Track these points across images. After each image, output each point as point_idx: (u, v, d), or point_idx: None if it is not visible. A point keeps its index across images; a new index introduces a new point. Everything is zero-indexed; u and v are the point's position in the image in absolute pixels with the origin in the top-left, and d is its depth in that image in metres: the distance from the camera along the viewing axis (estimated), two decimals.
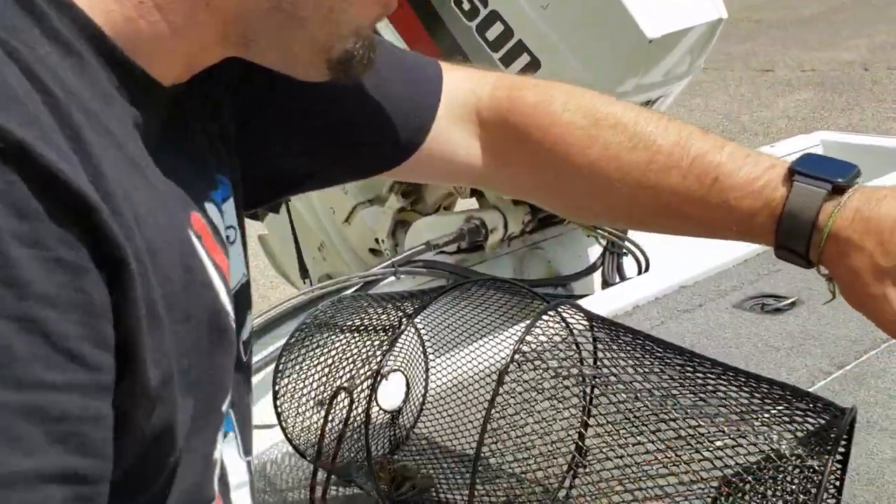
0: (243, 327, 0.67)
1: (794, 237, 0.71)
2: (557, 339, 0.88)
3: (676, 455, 0.73)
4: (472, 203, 2.05)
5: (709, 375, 0.78)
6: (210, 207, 0.61)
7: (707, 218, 0.76)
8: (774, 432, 0.72)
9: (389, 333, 1.00)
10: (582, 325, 0.89)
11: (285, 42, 0.58)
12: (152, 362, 0.47)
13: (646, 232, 0.90)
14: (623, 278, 1.98)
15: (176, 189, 0.56)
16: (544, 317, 0.84)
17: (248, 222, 2.39)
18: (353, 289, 1.73)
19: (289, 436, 1.04)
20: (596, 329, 0.87)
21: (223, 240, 0.62)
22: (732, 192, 0.73)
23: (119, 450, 0.45)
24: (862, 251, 0.68)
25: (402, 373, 1.10)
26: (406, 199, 2.11)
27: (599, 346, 0.85)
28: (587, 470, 0.90)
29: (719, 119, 7.03)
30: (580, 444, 0.92)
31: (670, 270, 1.73)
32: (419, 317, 1.04)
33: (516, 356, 0.79)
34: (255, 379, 1.66)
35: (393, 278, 1.80)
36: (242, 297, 0.67)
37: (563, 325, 0.89)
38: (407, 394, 1.11)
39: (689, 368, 0.78)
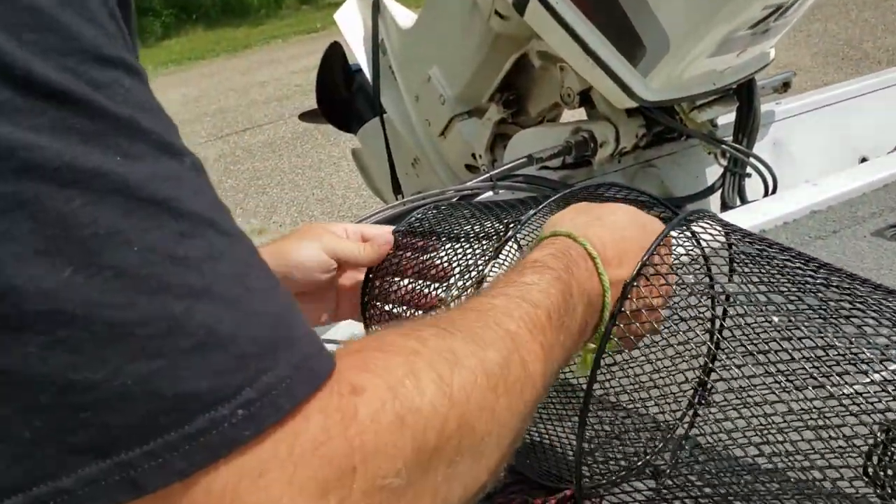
0: None
1: None
2: (688, 257, 0.74)
3: (826, 395, 0.60)
4: (580, 114, 1.89)
5: (872, 300, 0.63)
6: None
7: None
8: None
9: (492, 242, 0.88)
10: (719, 240, 0.75)
11: None
12: None
13: None
14: (744, 201, 1.81)
15: None
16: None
17: (341, 134, 2.30)
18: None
19: None
20: (736, 243, 0.73)
21: None
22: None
23: None
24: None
25: None
26: (507, 110, 1.97)
27: (742, 260, 0.71)
28: (712, 410, 0.77)
29: (839, 45, 6.63)
30: (704, 378, 0.79)
31: (800, 193, 1.56)
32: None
33: (644, 270, 0.66)
34: None
35: (491, 193, 1.67)
36: None
37: (693, 239, 0.76)
38: None
39: (848, 291, 0.64)
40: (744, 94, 1.79)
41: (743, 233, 0.75)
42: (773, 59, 1.80)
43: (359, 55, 2.39)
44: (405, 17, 2.24)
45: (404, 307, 0.89)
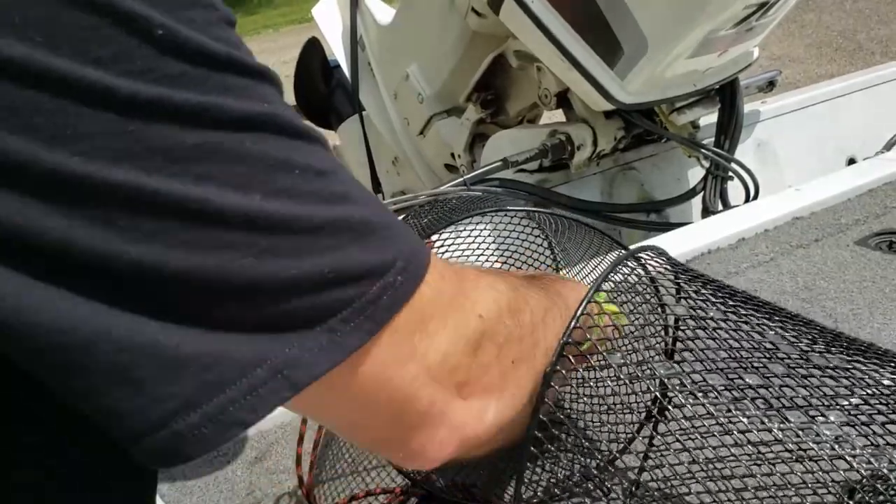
0: None
1: None
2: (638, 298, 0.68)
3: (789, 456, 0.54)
4: (559, 115, 1.84)
5: (822, 373, 0.57)
6: None
7: None
8: None
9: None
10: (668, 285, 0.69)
11: None
12: None
13: None
14: (727, 206, 1.76)
15: None
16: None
17: (322, 130, 2.23)
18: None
19: None
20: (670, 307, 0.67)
21: None
22: None
23: None
24: None
25: None
26: (485, 110, 1.91)
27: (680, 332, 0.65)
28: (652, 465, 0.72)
29: (833, 36, 6.56)
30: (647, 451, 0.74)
31: (783, 198, 1.51)
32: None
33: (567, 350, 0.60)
34: None
35: (462, 193, 1.63)
36: None
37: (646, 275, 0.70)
38: None
39: (803, 365, 0.57)
40: (726, 95, 1.75)
41: (683, 280, 0.69)
42: (756, 59, 1.75)
43: (337, 51, 2.34)
44: (384, 13, 2.19)
45: None
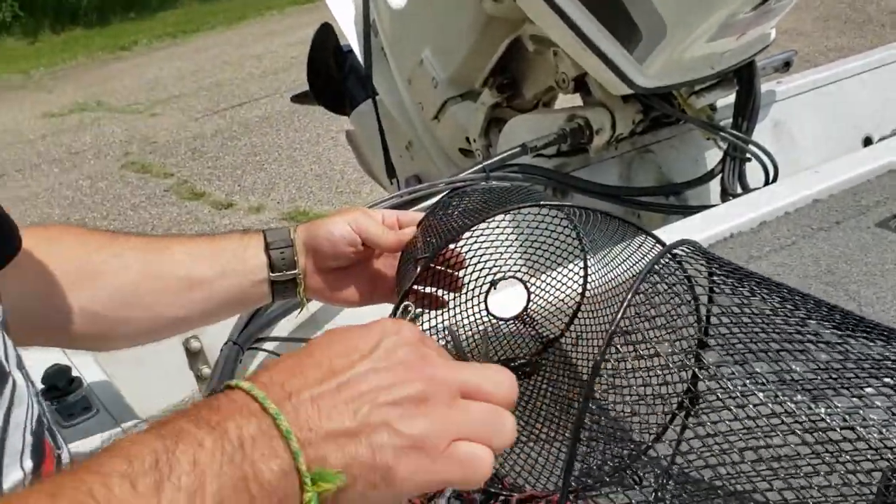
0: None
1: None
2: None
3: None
4: (575, 99, 1.84)
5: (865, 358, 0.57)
6: None
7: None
8: None
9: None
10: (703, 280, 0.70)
11: None
12: None
13: None
14: (746, 189, 1.76)
15: None
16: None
17: (333, 116, 2.25)
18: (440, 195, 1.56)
19: None
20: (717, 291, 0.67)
21: None
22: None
23: None
24: None
25: None
26: (501, 94, 1.91)
27: (720, 321, 0.66)
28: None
29: (842, 8, 6.53)
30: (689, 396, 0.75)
31: (802, 181, 1.51)
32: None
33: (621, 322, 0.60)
34: None
35: (484, 184, 1.63)
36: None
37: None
38: None
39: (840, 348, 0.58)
40: (743, 77, 1.74)
41: (722, 272, 0.69)
42: (774, 40, 1.75)
43: (349, 36, 2.33)
44: None
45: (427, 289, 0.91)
